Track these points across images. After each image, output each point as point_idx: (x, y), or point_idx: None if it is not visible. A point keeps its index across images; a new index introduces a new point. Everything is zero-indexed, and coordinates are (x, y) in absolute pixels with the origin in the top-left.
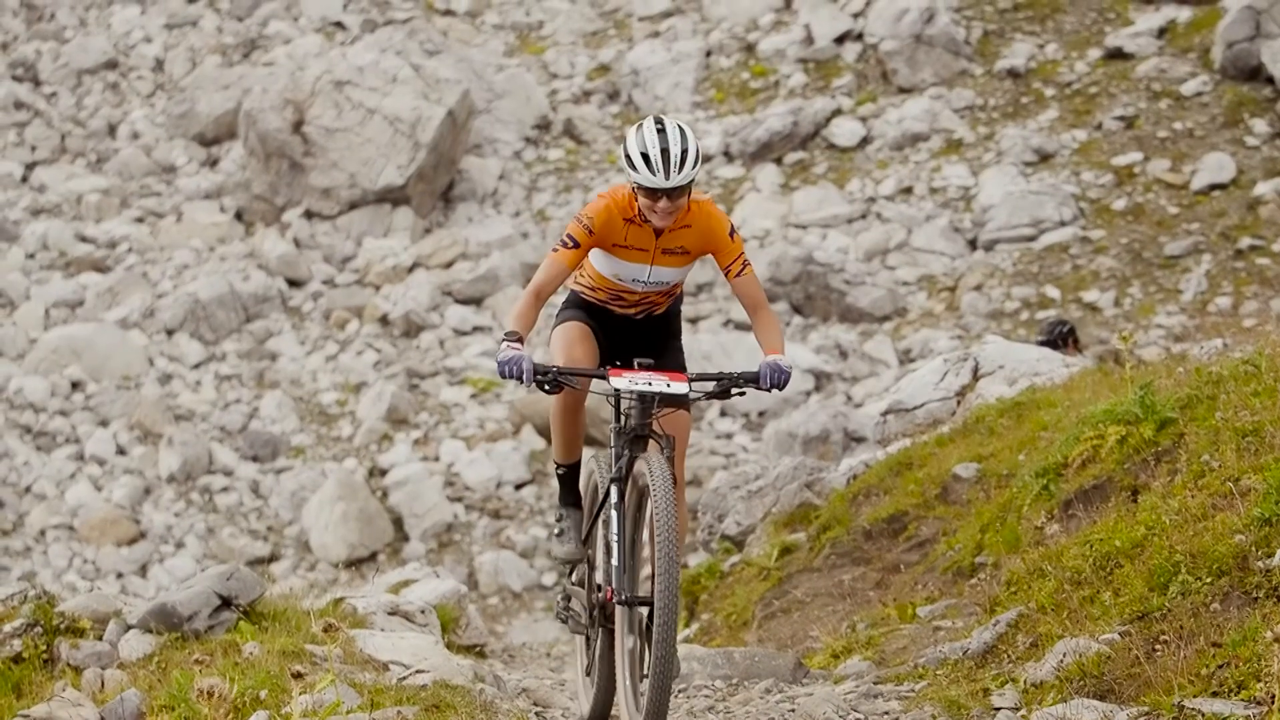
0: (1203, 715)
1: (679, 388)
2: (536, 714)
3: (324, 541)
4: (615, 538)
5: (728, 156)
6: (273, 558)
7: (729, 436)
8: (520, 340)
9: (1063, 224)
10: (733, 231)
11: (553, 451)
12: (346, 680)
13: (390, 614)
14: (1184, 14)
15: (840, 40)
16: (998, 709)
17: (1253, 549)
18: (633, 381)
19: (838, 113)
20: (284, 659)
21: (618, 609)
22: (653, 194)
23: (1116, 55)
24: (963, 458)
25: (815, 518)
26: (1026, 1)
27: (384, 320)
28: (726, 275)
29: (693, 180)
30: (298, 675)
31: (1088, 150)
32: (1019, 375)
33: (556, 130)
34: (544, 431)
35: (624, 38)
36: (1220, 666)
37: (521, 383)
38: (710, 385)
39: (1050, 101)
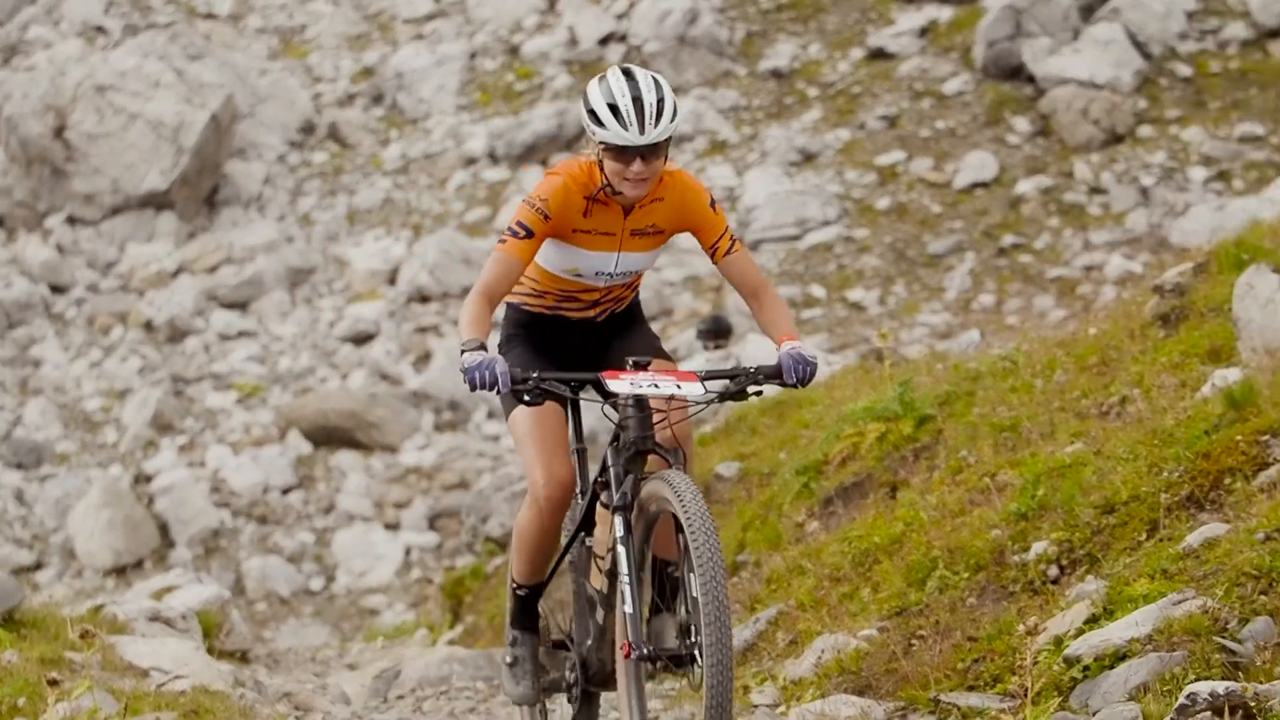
0: (958, 709)
1: (692, 389)
2: (297, 718)
3: (90, 549)
4: (628, 580)
5: (493, 159)
6: (38, 565)
7: (495, 439)
8: (483, 348)
9: (827, 223)
10: (714, 202)
11: (512, 568)
12: (104, 687)
13: (151, 620)
14: (945, 14)
15: (604, 42)
16: (756, 706)
17: (1009, 544)
18: (635, 384)
19: None
20: (42, 666)
21: (627, 667)
22: (624, 155)
23: (879, 55)
24: (725, 457)
25: None
26: (789, 2)
27: (148, 326)
28: (713, 256)
29: (670, 139)
30: (53, 682)
31: (851, 150)
32: None
33: (321, 134)
34: (312, 434)
35: (388, 40)
36: (976, 661)
37: (497, 393)
38: (725, 384)
39: (814, 102)
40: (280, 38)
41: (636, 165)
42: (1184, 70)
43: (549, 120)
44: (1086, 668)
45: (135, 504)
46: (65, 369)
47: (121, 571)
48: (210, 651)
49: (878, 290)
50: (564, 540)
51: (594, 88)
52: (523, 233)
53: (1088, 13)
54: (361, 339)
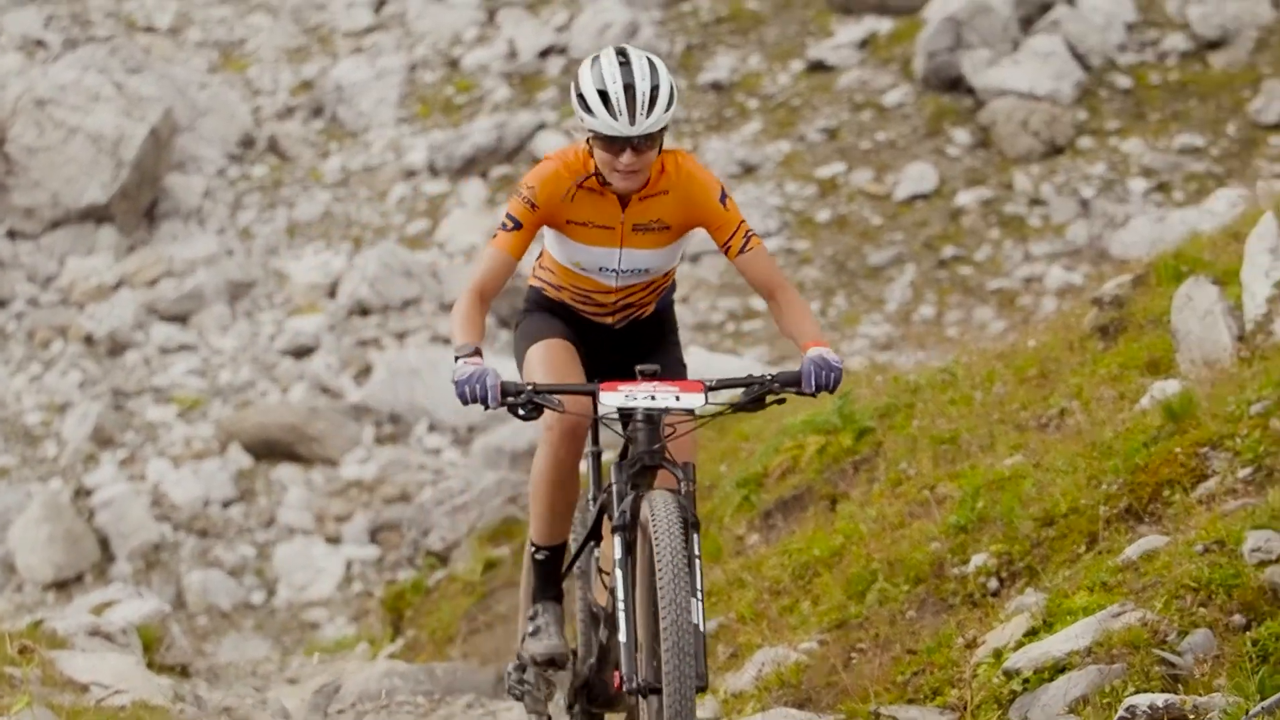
0: None
1: (691, 399)
2: None
3: (30, 563)
4: (623, 606)
5: (432, 171)
6: None
7: (437, 452)
8: (478, 353)
9: (768, 235)
10: (724, 195)
11: (530, 528)
12: (44, 702)
13: (91, 635)
14: (885, 26)
15: (544, 54)
16: None
17: (948, 556)
18: (630, 396)
19: (542, 127)
20: None
21: (635, 701)
22: (614, 145)
23: (818, 67)
24: None
25: (519, 532)
26: (729, 14)
27: (89, 339)
28: (727, 253)
29: (665, 128)
30: None
31: (791, 162)
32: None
33: (260, 147)
34: (253, 448)
35: (328, 53)
36: (916, 673)
37: (486, 407)
38: (736, 394)
39: (754, 114)
40: (220, 51)
41: (626, 156)
42: (1124, 82)
43: (489, 133)
44: (1026, 680)
45: (75, 518)
46: (5, 383)
47: (62, 586)
48: (150, 666)
49: (818, 302)
50: (573, 546)
51: (585, 71)
52: (510, 224)
53: (1027, 25)
54: (302, 352)
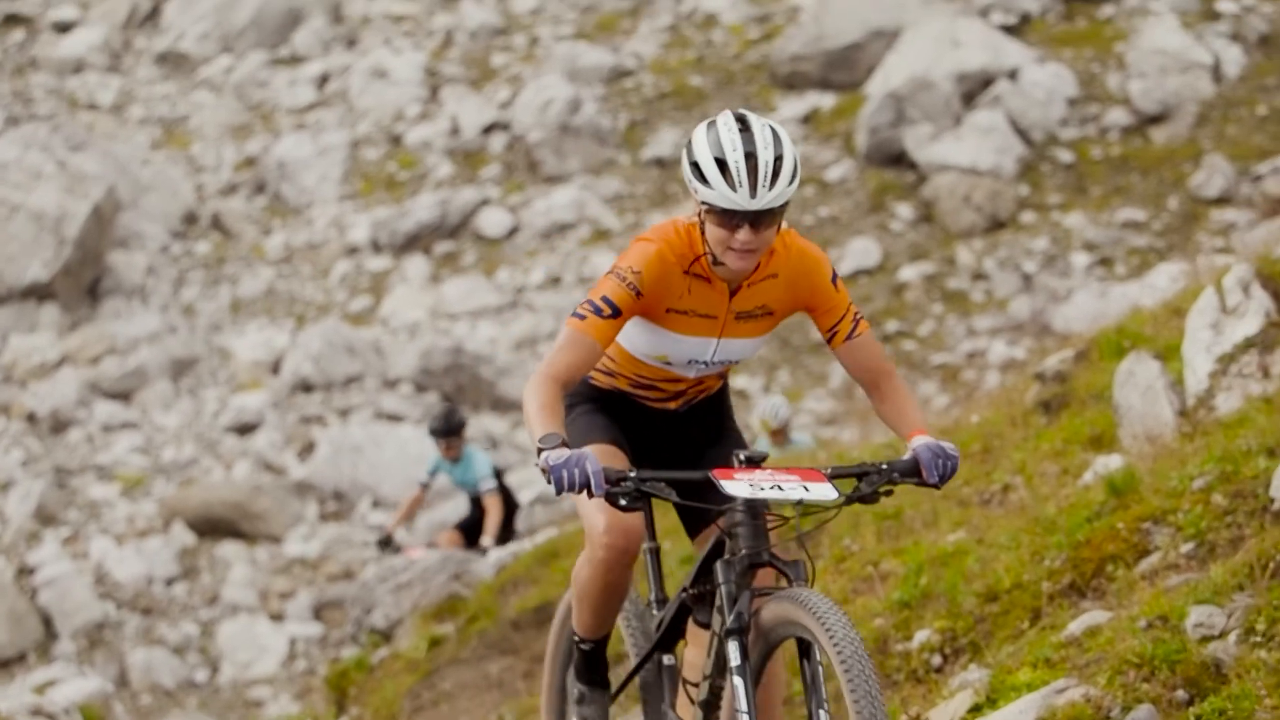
0: None
1: (822, 491)
2: None
3: None
4: (745, 715)
5: (375, 248)
6: None
7: (380, 529)
8: (566, 443)
9: None
10: (835, 276)
11: (574, 618)
12: None
13: (34, 715)
14: (827, 101)
15: (487, 131)
16: None
17: (892, 632)
18: (755, 486)
19: (486, 203)
20: None
21: None
22: (731, 220)
23: None
24: None
25: (464, 609)
26: (672, 90)
27: (31, 418)
28: (831, 340)
29: (787, 204)
30: None
31: None
32: None
33: (204, 224)
34: (196, 525)
35: (270, 130)
36: None
37: (589, 495)
38: (856, 484)
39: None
40: (163, 128)
41: (744, 234)
42: (1065, 157)
43: (432, 209)
44: None
45: (18, 596)
46: None
47: (4, 665)
48: None
49: (762, 377)
50: (633, 655)
51: (700, 136)
52: (608, 311)
53: (969, 100)
54: (245, 429)
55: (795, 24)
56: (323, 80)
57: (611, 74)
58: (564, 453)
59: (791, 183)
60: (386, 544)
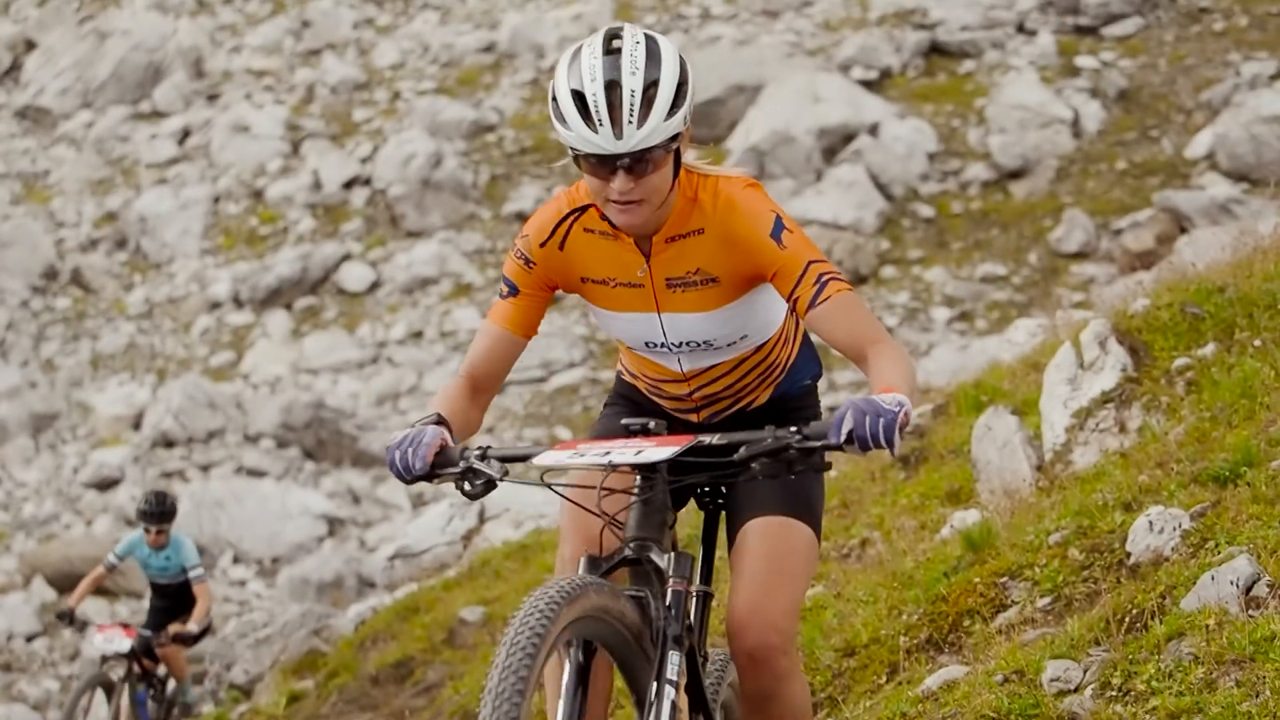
0: None
1: (654, 454)
2: None
3: None
4: None
5: (237, 303)
6: None
7: (242, 584)
8: (441, 421)
9: (573, 365)
10: (781, 227)
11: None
12: None
13: None
14: (688, 155)
15: (349, 185)
16: None
17: None
18: (578, 454)
19: (347, 257)
20: None
21: None
22: (600, 167)
23: None
24: (469, 601)
25: (324, 664)
26: (533, 145)
27: None
28: (793, 309)
29: (676, 137)
30: None
31: None
32: (525, 518)
33: (64, 279)
34: (57, 581)
35: (131, 185)
36: None
37: (410, 478)
38: (739, 452)
39: None
40: (23, 183)
41: (619, 181)
42: (926, 211)
43: (293, 264)
44: None
45: None
46: None
47: None
48: None
49: None
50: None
51: (562, 65)
52: (505, 290)
53: (830, 155)
54: (106, 485)
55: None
56: (184, 135)
57: (473, 129)
58: (401, 434)
59: (671, 115)
60: (69, 620)
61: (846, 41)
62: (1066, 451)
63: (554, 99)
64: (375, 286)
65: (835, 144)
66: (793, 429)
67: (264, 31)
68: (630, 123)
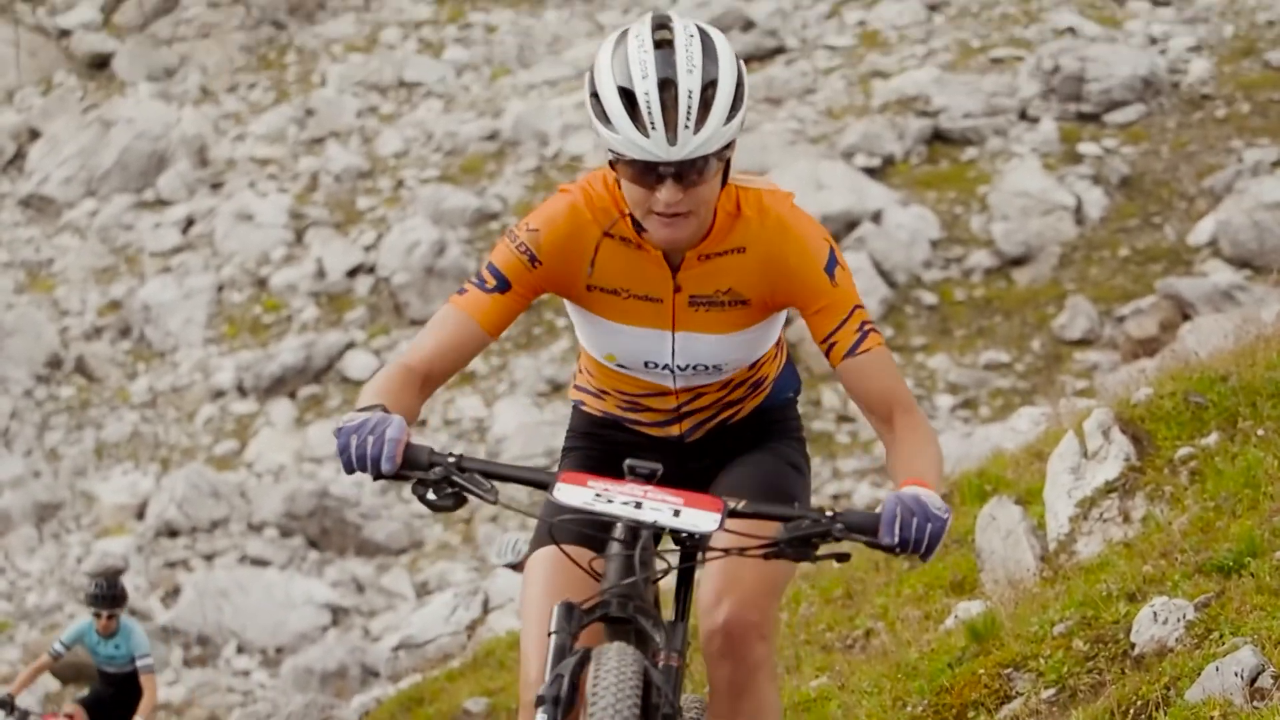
0: None
1: (699, 519)
2: None
3: None
4: None
5: (241, 392)
6: None
7: (246, 674)
8: (383, 409)
9: (568, 453)
10: (834, 262)
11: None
12: None
13: None
14: None
15: (352, 274)
16: None
17: None
18: (604, 498)
19: (351, 345)
20: None
21: None
22: (646, 175)
23: None
24: (473, 692)
25: None
26: None
27: None
28: (829, 354)
29: (730, 145)
30: None
31: None
32: None
33: (68, 368)
34: (60, 671)
35: (135, 274)
36: None
37: (377, 475)
38: (777, 528)
39: (562, 332)
40: (27, 271)
41: (667, 192)
42: (929, 298)
43: (297, 352)
44: None
45: None
46: None
47: None
48: None
49: None
50: None
51: (604, 56)
52: (493, 282)
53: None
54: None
55: None
56: (188, 223)
57: (476, 216)
58: (361, 417)
59: (731, 119)
60: (9, 709)
61: (849, 129)
62: (1070, 541)
63: (595, 95)
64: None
65: (838, 231)
66: (829, 513)
67: (268, 120)
68: (686, 127)
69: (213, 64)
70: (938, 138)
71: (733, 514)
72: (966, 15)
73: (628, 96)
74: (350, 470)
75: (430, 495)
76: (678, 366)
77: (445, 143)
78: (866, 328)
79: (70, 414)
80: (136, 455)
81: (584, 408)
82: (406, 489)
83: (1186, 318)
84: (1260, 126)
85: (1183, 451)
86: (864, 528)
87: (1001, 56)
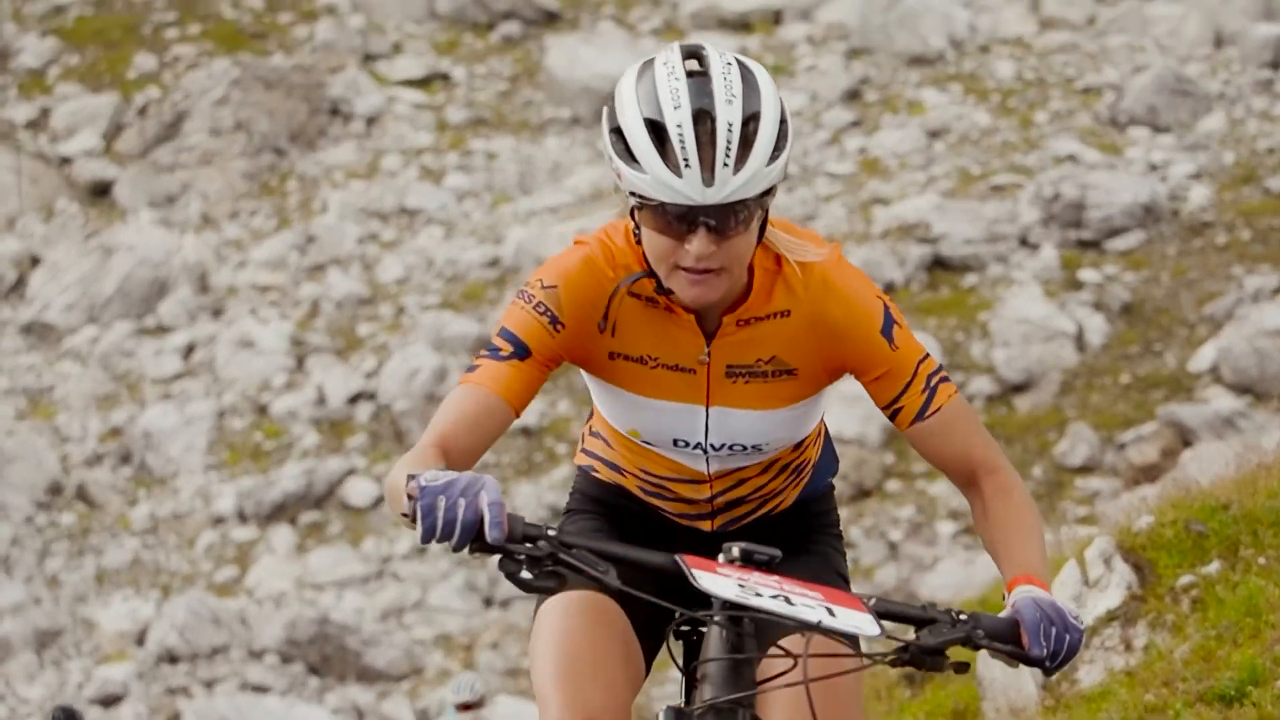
0: None
1: (856, 621)
2: None
3: None
4: None
5: (241, 518)
6: None
7: None
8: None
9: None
10: (890, 323)
11: None
12: None
13: None
14: None
15: (353, 400)
16: None
17: None
18: (749, 590)
19: (352, 472)
20: None
21: None
22: (674, 223)
23: None
24: None
25: None
26: None
27: None
28: (893, 418)
29: (771, 191)
30: None
31: None
32: None
33: (69, 494)
34: None
35: (136, 400)
36: None
37: (470, 548)
38: (917, 631)
39: (562, 459)
40: (28, 398)
41: (698, 243)
42: None
43: (298, 479)
44: None
45: None
46: None
47: None
48: None
49: None
50: None
51: (627, 86)
52: (508, 349)
53: None
54: (110, 701)
55: None
56: (189, 350)
57: (478, 343)
58: (447, 475)
59: (774, 159)
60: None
61: (850, 255)
62: (1072, 670)
63: (615, 131)
64: (379, 502)
65: None
66: (964, 616)
67: (269, 247)
68: (725, 165)
69: (214, 191)
70: (938, 264)
71: (879, 612)
72: (967, 142)
73: (656, 130)
74: (431, 539)
75: (525, 574)
76: (711, 446)
77: (446, 269)
78: (934, 382)
79: (71, 540)
80: (137, 582)
81: (595, 474)
82: (407, 617)
83: (1188, 444)
84: (1261, 253)
85: (1184, 580)
86: (1007, 636)
87: (1002, 184)
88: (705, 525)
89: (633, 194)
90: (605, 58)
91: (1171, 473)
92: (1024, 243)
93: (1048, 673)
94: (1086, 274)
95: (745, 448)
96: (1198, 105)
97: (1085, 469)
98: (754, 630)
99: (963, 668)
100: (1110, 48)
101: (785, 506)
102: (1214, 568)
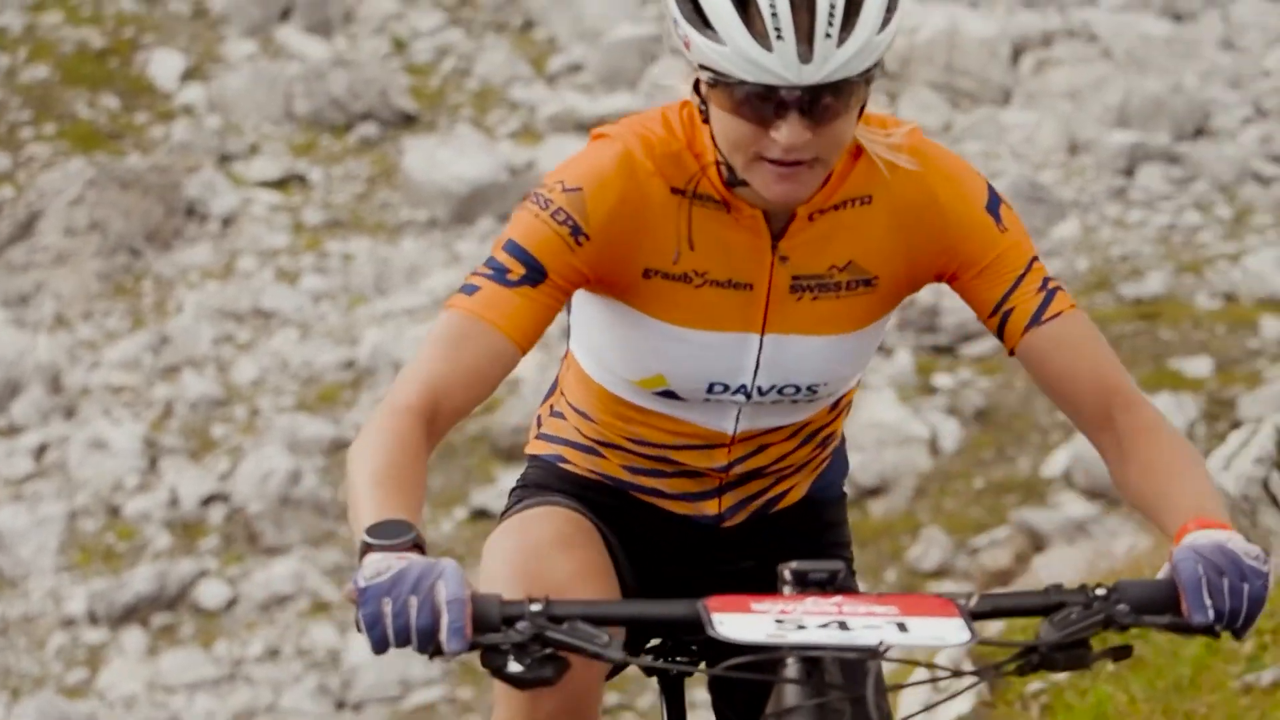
0: None
1: (937, 630)
2: None
3: None
4: None
5: (93, 620)
6: None
7: None
8: (416, 544)
9: (430, 684)
10: (997, 200)
11: None
12: None
13: None
14: None
15: (207, 502)
16: None
17: None
18: (788, 624)
19: (204, 574)
20: None
21: None
22: (762, 105)
23: (481, 514)
24: None
25: None
26: None
27: None
28: (1003, 329)
29: (879, 65)
30: None
31: None
32: None
33: None
34: None
35: None
36: None
37: (434, 652)
38: (1051, 630)
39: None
40: None
41: (789, 130)
42: None
43: (150, 581)
44: None
45: None
46: None
47: None
48: None
49: None
50: None
51: None
52: (518, 270)
53: None
54: None
55: (517, 395)
56: (41, 450)
57: (333, 445)
58: (398, 562)
59: (884, 28)
60: None
61: None
62: None
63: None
64: (232, 604)
65: None
66: (1100, 592)
67: (123, 347)
68: (829, 36)
69: (68, 291)
70: None
71: (974, 612)
72: None
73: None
74: (384, 649)
75: (513, 666)
76: (758, 389)
77: (302, 371)
78: (1051, 285)
79: None
80: None
81: (563, 463)
82: (261, 718)
83: (1040, 549)
84: None
85: (1034, 687)
86: (1159, 604)
87: None
88: (711, 506)
89: (703, 67)
90: (462, 159)
91: (1023, 577)
92: (879, 348)
93: (1215, 634)
94: (941, 379)
95: (798, 389)
96: (1052, 212)
97: (938, 573)
98: (838, 666)
99: (1124, 652)
100: (966, 154)
101: (796, 499)
102: (1063, 675)
